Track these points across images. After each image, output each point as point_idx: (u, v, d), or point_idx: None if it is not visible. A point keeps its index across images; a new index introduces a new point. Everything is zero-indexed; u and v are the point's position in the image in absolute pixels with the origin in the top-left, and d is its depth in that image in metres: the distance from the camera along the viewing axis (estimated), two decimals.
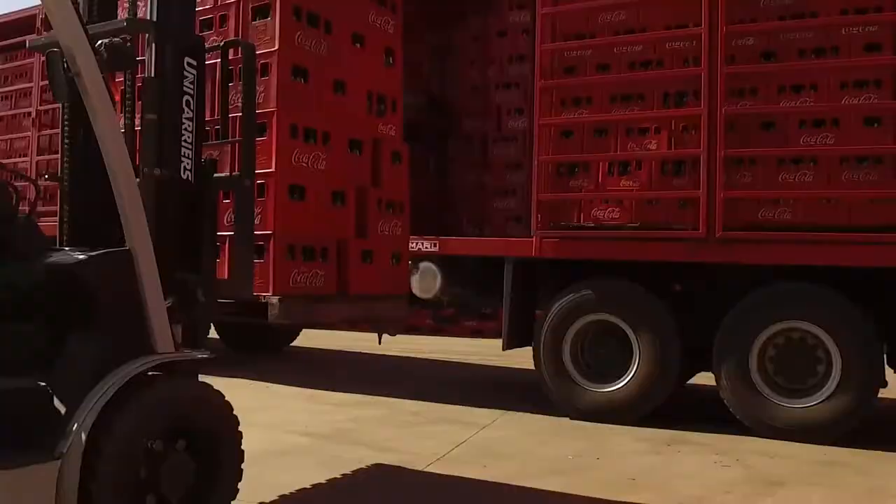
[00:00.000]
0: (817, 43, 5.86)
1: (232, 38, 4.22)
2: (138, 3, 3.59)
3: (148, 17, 3.35)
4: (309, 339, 10.22)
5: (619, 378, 6.07)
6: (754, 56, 5.97)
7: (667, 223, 6.06)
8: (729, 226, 5.66)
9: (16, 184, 3.16)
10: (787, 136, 5.84)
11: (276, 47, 4.22)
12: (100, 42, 2.94)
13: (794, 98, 5.85)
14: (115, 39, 3.00)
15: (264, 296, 4.07)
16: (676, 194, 6.05)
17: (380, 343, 7.90)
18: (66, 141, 3.52)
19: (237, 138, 3.90)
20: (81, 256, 2.90)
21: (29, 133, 8.58)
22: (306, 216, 4.31)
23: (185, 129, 3.38)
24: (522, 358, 7.12)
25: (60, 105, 3.60)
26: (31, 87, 8.62)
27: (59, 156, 7.71)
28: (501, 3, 7.89)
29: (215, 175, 3.67)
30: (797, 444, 5.37)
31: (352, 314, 4.81)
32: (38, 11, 8.58)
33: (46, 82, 8.43)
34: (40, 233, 3.20)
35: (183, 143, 3.37)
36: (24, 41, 8.60)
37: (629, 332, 6.06)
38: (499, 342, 6.82)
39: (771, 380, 5.65)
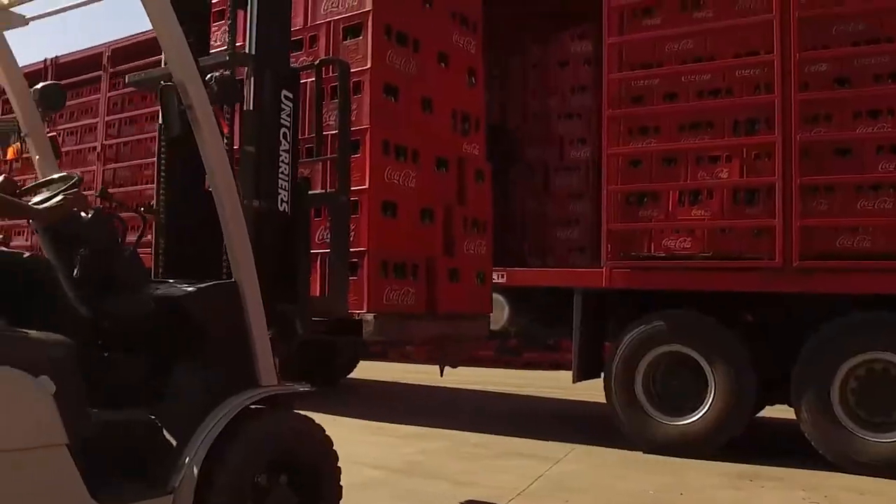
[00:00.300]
0: (893, 67, 5.76)
1: (323, 57, 4.25)
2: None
3: (246, 51, 3.38)
4: (363, 370, 10.21)
5: (694, 410, 5.94)
6: (828, 82, 5.89)
7: (740, 253, 5.96)
8: (805, 255, 5.55)
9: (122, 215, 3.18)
10: (863, 162, 5.74)
11: (369, 66, 4.25)
12: (209, 75, 2.97)
13: (870, 124, 5.74)
14: (226, 73, 3.03)
15: (358, 313, 4.05)
16: (751, 223, 5.97)
17: (441, 375, 7.85)
18: (163, 174, 3.56)
19: (331, 155, 3.91)
20: (190, 289, 2.90)
21: (94, 167, 8.74)
22: (398, 233, 4.32)
23: (283, 161, 3.40)
24: (580, 390, 7.02)
25: (157, 138, 3.65)
26: (97, 123, 8.80)
27: (122, 187, 7.84)
28: (563, 33, 7.90)
29: (310, 192, 3.67)
30: (885, 480, 5.19)
31: (440, 332, 4.78)
32: (104, 50, 8.79)
33: (112, 118, 8.71)
34: (143, 265, 3.21)
35: (280, 175, 3.39)
36: (91, 77, 8.84)
37: (703, 363, 5.94)
38: (552, 374, 6.74)
39: (854, 413, 5.48)
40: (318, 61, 4.04)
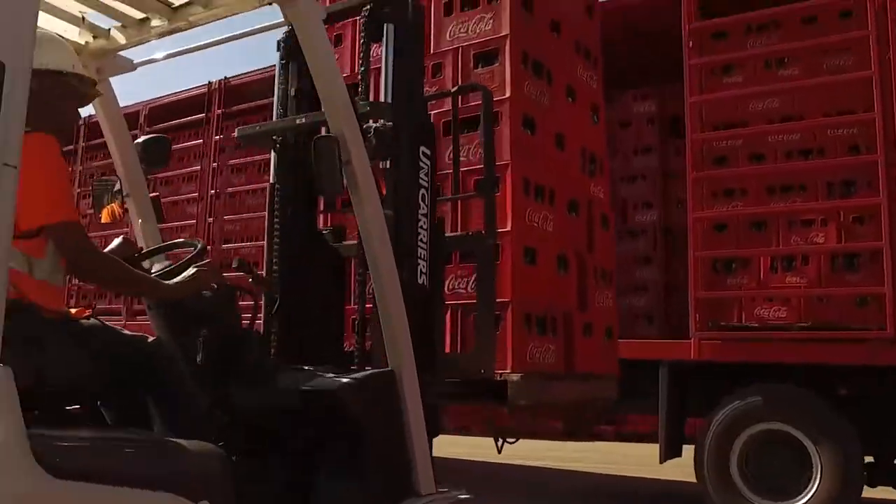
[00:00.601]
0: None
1: (449, 88, 3.88)
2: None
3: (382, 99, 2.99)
4: None
5: (799, 494, 5.43)
6: None
7: (842, 322, 5.55)
8: None
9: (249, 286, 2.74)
10: None
11: (508, 94, 3.88)
12: (366, 127, 2.57)
13: None
14: (388, 124, 2.63)
15: (502, 373, 3.59)
16: (855, 291, 5.57)
17: (500, 452, 7.32)
18: (276, 240, 3.14)
19: (469, 193, 3.52)
20: (345, 379, 2.43)
21: (127, 229, 8.29)
22: (538, 283, 3.90)
23: (421, 227, 2.98)
24: (650, 466, 6.52)
25: (268, 199, 3.23)
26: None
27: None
28: (624, 93, 7.60)
29: (447, 235, 3.25)
30: None
31: (579, 395, 4.31)
32: (141, 108, 8.44)
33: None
34: (264, 345, 2.77)
35: (419, 243, 2.96)
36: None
37: (807, 443, 5.45)
38: (616, 446, 6.20)
39: None
40: (455, 88, 3.65)
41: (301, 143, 3.21)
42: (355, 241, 3.51)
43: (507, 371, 3.62)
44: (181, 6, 2.51)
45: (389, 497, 2.40)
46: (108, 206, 3.05)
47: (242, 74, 8.05)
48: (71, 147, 8.78)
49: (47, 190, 2.02)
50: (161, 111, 8.18)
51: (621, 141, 7.60)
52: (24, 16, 1.60)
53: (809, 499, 5.40)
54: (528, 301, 3.77)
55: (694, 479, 5.78)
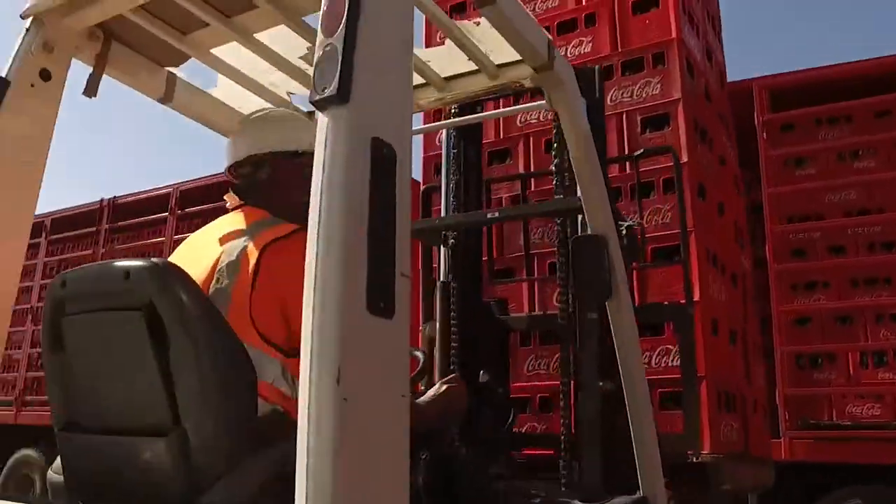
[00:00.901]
0: None
1: (615, 153, 3.73)
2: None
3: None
4: None
5: None
6: None
7: None
8: None
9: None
10: None
11: (685, 160, 3.73)
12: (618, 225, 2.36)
13: None
14: (633, 226, 2.42)
15: (700, 454, 3.32)
16: None
17: None
18: (454, 337, 2.87)
19: (648, 263, 3.33)
20: None
21: None
22: (721, 356, 3.68)
23: None
24: None
25: (438, 299, 2.96)
26: None
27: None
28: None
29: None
30: None
31: (755, 480, 4.03)
32: (171, 191, 8.11)
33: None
34: (480, 462, 2.46)
35: None
36: (154, 220, 8.10)
37: None
38: None
39: None
40: (640, 151, 3.49)
41: (472, 238, 3.01)
42: (522, 314, 3.26)
43: (706, 452, 3.36)
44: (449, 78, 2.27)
45: None
46: None
47: None
48: (93, 228, 8.41)
49: None
50: (194, 193, 7.86)
51: None
52: (404, 101, 1.36)
53: None
54: (718, 376, 3.57)
55: None
